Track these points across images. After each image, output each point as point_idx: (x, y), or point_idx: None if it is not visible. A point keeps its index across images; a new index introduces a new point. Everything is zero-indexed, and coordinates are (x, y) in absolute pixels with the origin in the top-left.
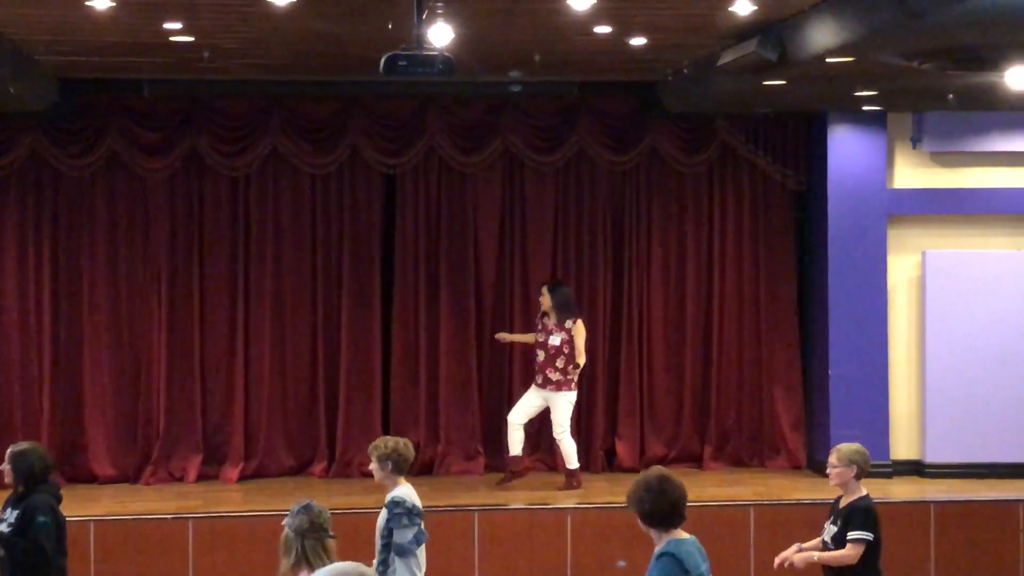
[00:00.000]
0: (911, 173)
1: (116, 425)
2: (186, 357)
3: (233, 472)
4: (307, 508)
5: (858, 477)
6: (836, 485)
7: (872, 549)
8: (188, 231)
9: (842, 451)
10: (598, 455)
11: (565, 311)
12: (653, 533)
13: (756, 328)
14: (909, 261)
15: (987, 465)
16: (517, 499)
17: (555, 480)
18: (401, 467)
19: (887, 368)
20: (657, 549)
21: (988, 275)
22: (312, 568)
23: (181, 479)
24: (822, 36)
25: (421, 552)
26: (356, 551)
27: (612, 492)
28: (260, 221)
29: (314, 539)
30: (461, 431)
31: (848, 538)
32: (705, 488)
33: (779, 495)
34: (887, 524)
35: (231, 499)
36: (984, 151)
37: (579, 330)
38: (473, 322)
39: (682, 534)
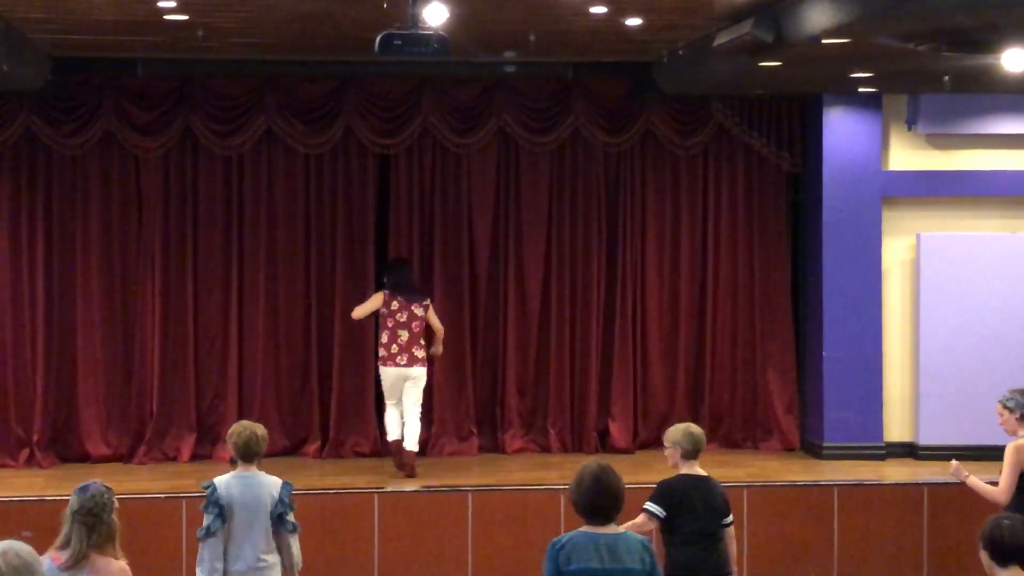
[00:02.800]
0: (906, 155)
1: (109, 404)
2: (180, 337)
3: (226, 451)
4: (82, 489)
5: (685, 457)
6: (671, 466)
7: (668, 526)
8: (182, 211)
9: (669, 433)
10: (591, 436)
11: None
12: None
13: (750, 310)
14: (904, 243)
15: (980, 447)
16: (511, 480)
17: (549, 461)
18: (238, 454)
19: (881, 350)
20: None
21: (983, 258)
22: (71, 548)
23: (175, 458)
24: (818, 17)
25: (228, 544)
26: (348, 530)
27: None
28: (254, 201)
29: (80, 522)
30: (454, 412)
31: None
32: None
33: (772, 477)
34: (880, 506)
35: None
36: (980, 133)
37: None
38: (467, 303)
39: (612, 528)
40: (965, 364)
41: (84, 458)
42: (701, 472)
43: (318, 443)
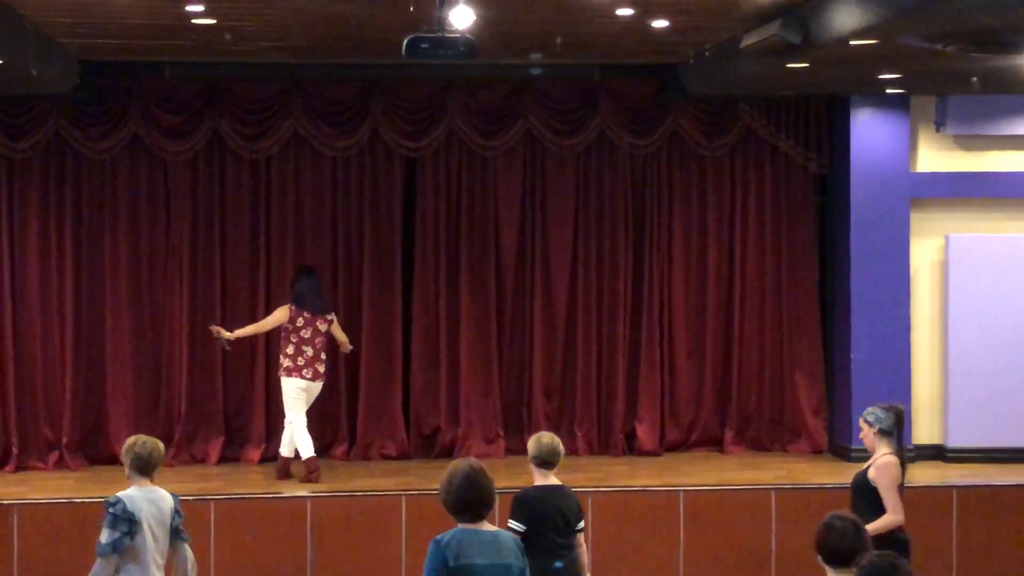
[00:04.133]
0: (934, 156)
1: (138, 407)
2: (208, 339)
3: (255, 454)
4: None
5: (536, 466)
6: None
7: (526, 540)
8: (209, 214)
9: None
10: (618, 439)
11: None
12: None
13: (777, 312)
14: (932, 245)
15: (1010, 450)
16: None
17: (576, 463)
18: (135, 467)
19: (909, 352)
20: None
21: (1012, 259)
22: None
23: (203, 461)
24: (845, 18)
25: (125, 561)
26: (375, 532)
27: (632, 476)
28: (281, 204)
29: None
30: (481, 414)
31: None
32: (726, 472)
33: (800, 479)
34: (908, 509)
35: (253, 480)
36: (1008, 134)
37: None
38: (493, 305)
39: (485, 526)
40: (994, 366)
41: (113, 460)
42: (555, 482)
43: (346, 445)
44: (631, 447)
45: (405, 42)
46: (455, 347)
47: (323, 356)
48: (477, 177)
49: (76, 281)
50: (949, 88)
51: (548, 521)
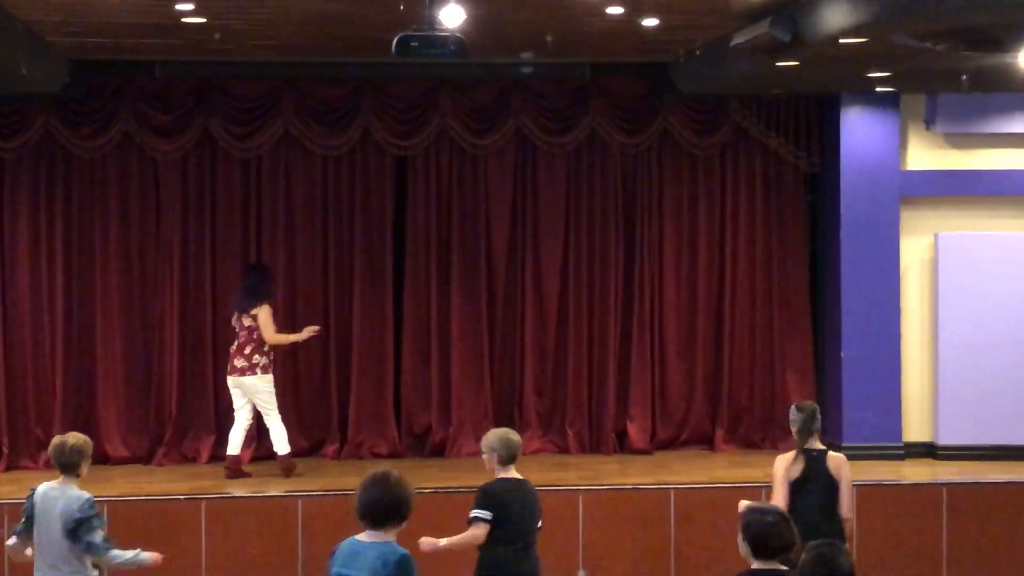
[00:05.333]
0: (924, 155)
1: (129, 406)
2: (198, 338)
3: (246, 453)
4: None
5: (501, 463)
6: (488, 470)
7: (493, 528)
8: (200, 212)
9: (487, 438)
10: (609, 437)
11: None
12: None
13: (768, 310)
14: (922, 243)
15: (1000, 447)
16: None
17: (567, 462)
18: (54, 464)
19: (899, 350)
20: None
21: (1001, 257)
22: None
23: (194, 460)
24: (836, 16)
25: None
26: None
27: (623, 474)
28: (272, 203)
29: None
30: (473, 413)
31: (469, 517)
32: (716, 470)
33: None
34: (899, 506)
35: (243, 480)
36: (998, 132)
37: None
38: (484, 304)
39: (376, 537)
40: (984, 364)
41: (103, 460)
42: (518, 476)
43: (337, 444)
44: (622, 445)
45: (395, 41)
46: (446, 345)
47: (246, 351)
48: (468, 176)
49: (66, 280)
50: (939, 86)
51: (510, 512)
